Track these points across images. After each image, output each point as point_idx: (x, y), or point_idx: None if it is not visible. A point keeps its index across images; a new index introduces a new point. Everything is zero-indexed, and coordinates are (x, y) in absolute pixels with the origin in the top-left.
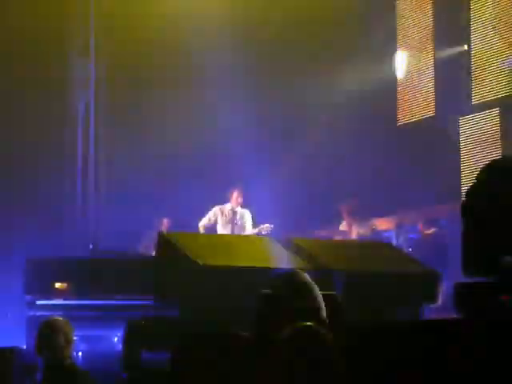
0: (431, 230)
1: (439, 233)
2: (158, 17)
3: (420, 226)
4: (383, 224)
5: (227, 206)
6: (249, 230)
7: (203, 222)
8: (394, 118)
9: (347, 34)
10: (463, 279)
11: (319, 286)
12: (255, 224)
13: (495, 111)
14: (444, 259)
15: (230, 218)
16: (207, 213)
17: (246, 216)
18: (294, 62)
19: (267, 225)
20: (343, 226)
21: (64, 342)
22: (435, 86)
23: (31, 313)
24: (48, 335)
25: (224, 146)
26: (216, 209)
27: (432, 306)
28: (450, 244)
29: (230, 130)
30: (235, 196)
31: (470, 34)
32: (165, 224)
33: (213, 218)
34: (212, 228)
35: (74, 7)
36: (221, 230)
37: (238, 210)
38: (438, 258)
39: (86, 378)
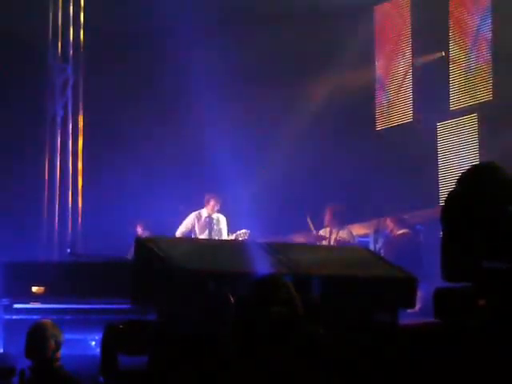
0: (402, 231)
1: (412, 235)
2: (138, 19)
3: (390, 226)
4: (361, 229)
5: (203, 212)
6: (225, 235)
7: (181, 230)
8: (372, 124)
9: (324, 40)
10: (438, 282)
11: (297, 290)
12: (231, 229)
13: (473, 117)
14: (418, 259)
15: (207, 224)
16: (183, 219)
17: (222, 221)
18: (269, 71)
19: (244, 230)
20: (323, 231)
21: (54, 344)
22: (413, 92)
23: (8, 316)
24: (39, 338)
25: (200, 152)
26: (193, 215)
27: (408, 310)
28: (425, 248)
29: (207, 137)
30: (212, 204)
31: (448, 40)
32: (139, 230)
33: (190, 225)
34: (189, 234)
35: (51, 10)
36: (198, 235)
37: (214, 215)
38: (412, 257)
39: (74, 381)
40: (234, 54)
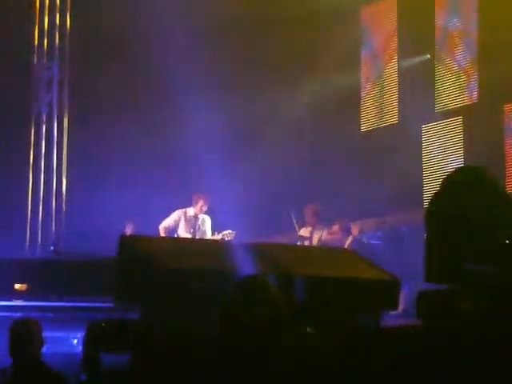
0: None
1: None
2: (124, 17)
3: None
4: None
5: (189, 211)
6: (209, 236)
7: (165, 224)
8: (358, 125)
9: (311, 42)
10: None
11: (281, 290)
12: (216, 229)
13: (458, 119)
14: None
15: (192, 223)
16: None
17: (207, 222)
18: (257, 71)
19: (229, 231)
20: (304, 232)
21: (37, 342)
22: (398, 94)
23: None
24: (23, 335)
25: (186, 152)
26: (179, 212)
27: (391, 312)
28: (409, 249)
29: (193, 136)
30: (200, 204)
31: (433, 43)
32: (129, 227)
33: (173, 222)
34: (173, 231)
35: (38, 8)
36: (181, 233)
37: (200, 216)
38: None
39: (59, 378)
40: (223, 54)
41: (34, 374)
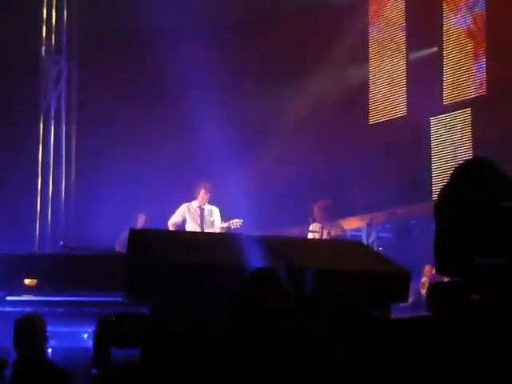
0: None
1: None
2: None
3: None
4: (354, 223)
5: (194, 204)
6: (218, 226)
7: (172, 221)
8: (366, 118)
9: (318, 35)
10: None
11: (291, 284)
12: (224, 219)
13: (467, 111)
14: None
15: (199, 215)
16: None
17: (215, 212)
18: (262, 66)
19: (237, 220)
20: (314, 227)
21: (41, 339)
22: (407, 86)
23: (1, 309)
24: (26, 332)
25: (196, 143)
26: (184, 206)
27: (401, 304)
28: (419, 242)
29: (202, 128)
30: (202, 193)
31: (441, 35)
32: (141, 221)
33: (181, 217)
34: (181, 226)
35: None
36: (190, 227)
37: (206, 206)
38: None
39: (63, 375)
40: (228, 51)
41: (38, 371)
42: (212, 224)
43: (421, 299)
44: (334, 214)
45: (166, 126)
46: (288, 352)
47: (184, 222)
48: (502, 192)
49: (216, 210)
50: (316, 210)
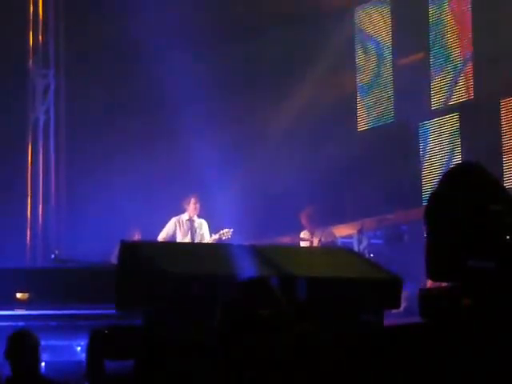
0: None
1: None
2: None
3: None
4: (345, 230)
5: (184, 217)
6: (207, 239)
7: (163, 234)
8: (355, 124)
9: (307, 42)
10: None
11: (282, 292)
12: (214, 230)
13: (455, 116)
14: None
15: (189, 228)
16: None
17: (204, 226)
18: (253, 72)
19: (227, 229)
20: (304, 234)
21: (33, 354)
22: (395, 92)
23: None
24: (19, 348)
25: (185, 154)
26: (173, 220)
27: (393, 311)
28: (409, 248)
29: (191, 141)
30: (192, 204)
31: (428, 40)
32: (136, 237)
33: (171, 230)
34: (171, 239)
35: (32, 16)
36: (180, 240)
37: (196, 219)
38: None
39: None
40: (216, 62)
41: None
42: (202, 237)
43: (413, 305)
44: (321, 219)
45: (155, 138)
46: (279, 361)
47: (174, 235)
48: (490, 196)
49: (205, 223)
50: (302, 218)
